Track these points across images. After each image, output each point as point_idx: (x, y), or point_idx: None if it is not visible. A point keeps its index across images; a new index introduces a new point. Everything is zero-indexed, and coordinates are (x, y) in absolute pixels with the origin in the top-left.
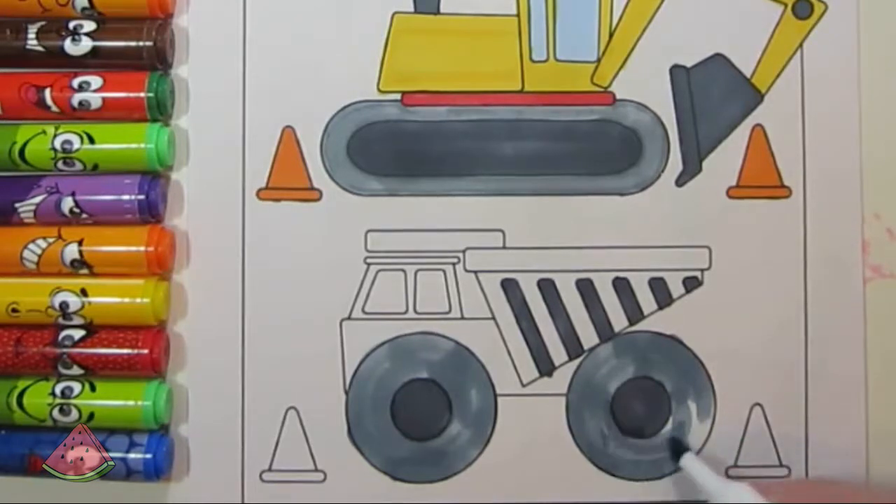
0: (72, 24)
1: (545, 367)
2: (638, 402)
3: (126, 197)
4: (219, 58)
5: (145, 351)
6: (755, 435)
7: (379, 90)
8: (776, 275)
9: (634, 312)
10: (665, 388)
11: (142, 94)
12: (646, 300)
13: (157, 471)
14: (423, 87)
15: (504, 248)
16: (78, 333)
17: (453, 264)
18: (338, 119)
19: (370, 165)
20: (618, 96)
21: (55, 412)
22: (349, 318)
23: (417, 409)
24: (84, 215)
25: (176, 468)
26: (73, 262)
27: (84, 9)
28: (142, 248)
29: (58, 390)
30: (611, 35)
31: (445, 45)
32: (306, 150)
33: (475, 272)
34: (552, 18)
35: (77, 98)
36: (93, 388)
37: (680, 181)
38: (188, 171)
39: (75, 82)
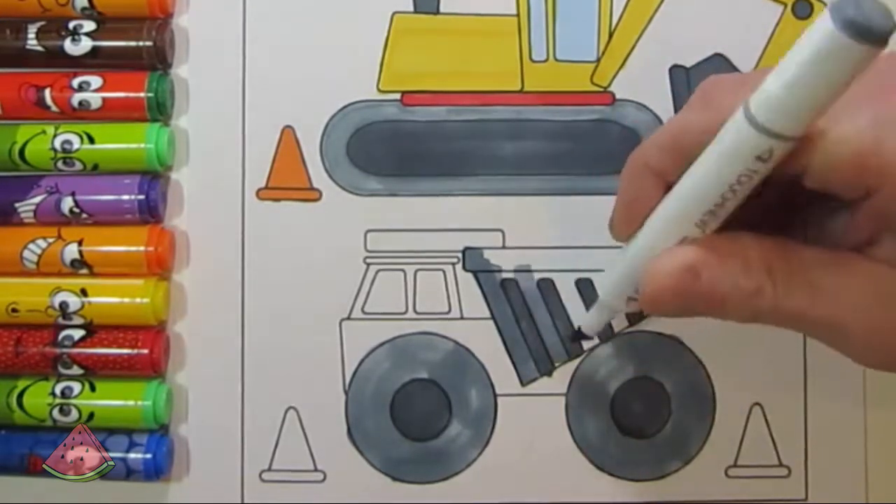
0: (72, 24)
1: (545, 367)
2: (638, 402)
3: (126, 197)
4: (219, 58)
5: (145, 351)
6: (755, 435)
7: (379, 90)
8: None
9: (634, 312)
10: (665, 388)
11: (142, 94)
12: None
13: (156, 471)
14: (423, 87)
15: (504, 247)
16: (78, 333)
17: (453, 264)
18: (337, 119)
19: (370, 165)
20: (617, 96)
21: (55, 412)
22: (349, 318)
23: (417, 409)
24: (84, 215)
25: (176, 468)
26: (72, 262)
27: (84, 9)
28: (142, 248)
29: (58, 390)
30: (610, 35)
31: (445, 45)
32: (306, 149)
33: (475, 272)
34: (552, 18)
35: (77, 98)
36: (93, 388)
37: None
38: (188, 171)
39: (75, 82)
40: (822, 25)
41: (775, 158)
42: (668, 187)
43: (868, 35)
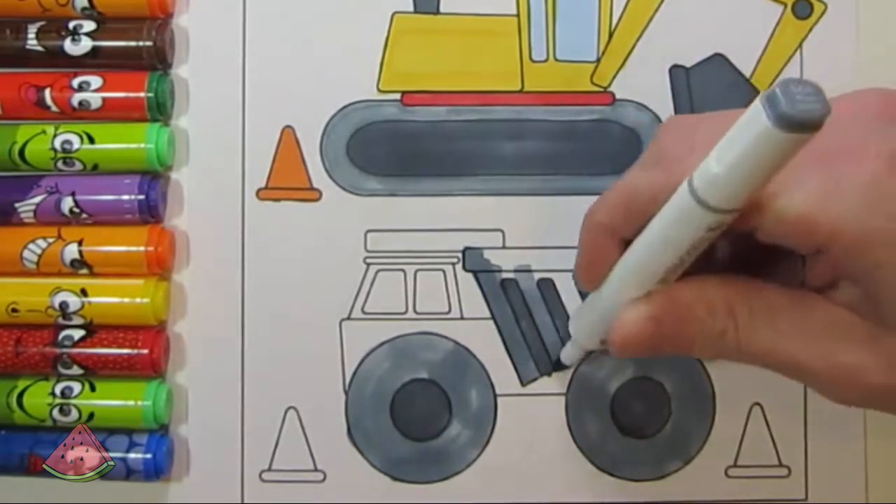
0: (72, 24)
1: (545, 366)
2: (638, 402)
3: (126, 197)
4: (219, 58)
5: (145, 351)
6: (755, 435)
7: (379, 90)
8: None
9: None
10: (665, 388)
11: (142, 94)
12: None
13: (157, 471)
14: (423, 87)
15: (504, 247)
16: (78, 333)
17: (453, 264)
18: (338, 119)
19: (370, 165)
20: (617, 96)
21: (55, 412)
22: (349, 318)
23: (417, 409)
24: (84, 215)
25: (176, 468)
26: (72, 262)
27: (84, 9)
28: (142, 248)
29: (58, 390)
30: (610, 35)
31: (445, 45)
32: (306, 150)
33: (475, 272)
34: (552, 18)
35: (77, 98)
36: (93, 388)
37: None
38: (188, 171)
39: (75, 82)
40: (756, 117)
41: (725, 225)
42: (626, 242)
43: (800, 127)
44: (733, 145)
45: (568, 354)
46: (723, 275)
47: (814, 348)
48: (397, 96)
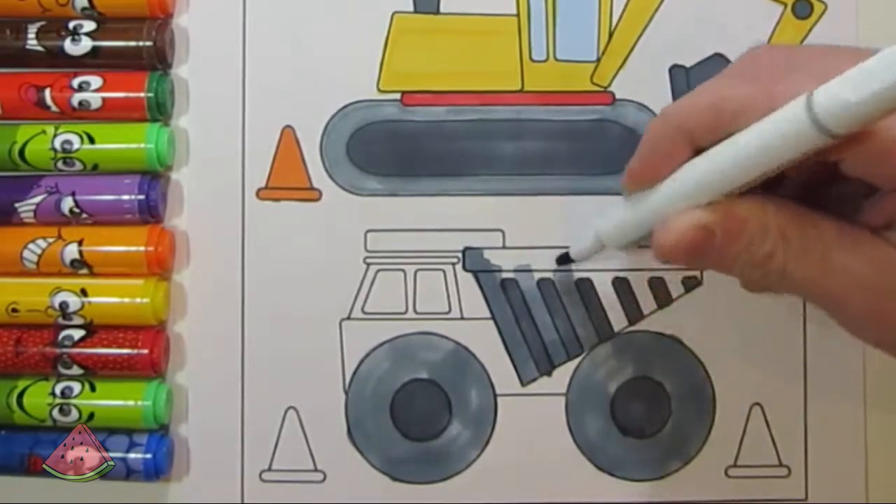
0: (72, 24)
1: (545, 366)
2: (638, 401)
3: (126, 197)
4: (219, 58)
5: (145, 351)
6: (755, 435)
7: (379, 90)
8: None
9: (634, 312)
10: (665, 388)
11: (142, 94)
12: (645, 300)
13: (156, 471)
14: (423, 86)
15: (504, 247)
16: (78, 333)
17: (453, 264)
18: (337, 119)
19: (370, 165)
20: (617, 96)
21: (55, 412)
22: (349, 318)
23: (417, 409)
24: (84, 215)
25: (176, 468)
26: (72, 262)
27: (84, 9)
28: (142, 248)
29: (58, 390)
30: (610, 35)
31: (445, 45)
32: (306, 149)
33: (475, 272)
34: (552, 18)
35: (77, 98)
36: (93, 388)
37: None
38: (188, 171)
39: (75, 82)
40: None
41: (820, 149)
42: (696, 150)
43: None
44: (877, 76)
45: (579, 250)
46: (781, 199)
47: (861, 285)
48: (397, 96)
